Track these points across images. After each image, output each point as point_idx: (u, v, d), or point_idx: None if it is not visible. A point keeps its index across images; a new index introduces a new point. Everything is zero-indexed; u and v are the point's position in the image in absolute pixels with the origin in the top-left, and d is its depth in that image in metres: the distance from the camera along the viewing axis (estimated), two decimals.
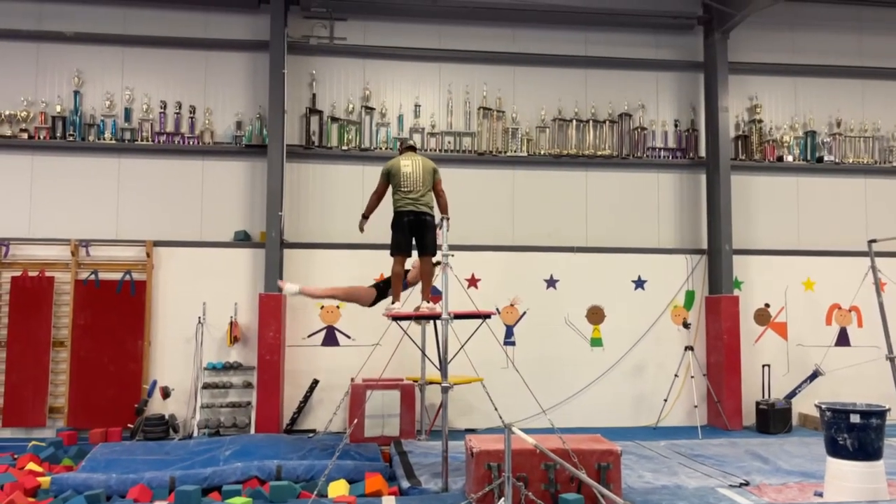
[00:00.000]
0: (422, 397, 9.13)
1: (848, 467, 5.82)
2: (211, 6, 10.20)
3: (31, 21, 9.94)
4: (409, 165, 7.26)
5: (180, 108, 10.13)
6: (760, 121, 11.06)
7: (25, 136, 9.79)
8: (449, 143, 10.53)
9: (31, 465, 7.21)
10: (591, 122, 10.77)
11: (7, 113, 9.79)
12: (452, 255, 7.08)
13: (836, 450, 5.90)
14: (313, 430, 9.40)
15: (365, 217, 7.55)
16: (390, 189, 7.35)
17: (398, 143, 10.27)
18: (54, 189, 9.83)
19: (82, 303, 9.60)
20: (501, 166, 10.63)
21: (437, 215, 7.27)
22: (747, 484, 6.70)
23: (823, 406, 6.02)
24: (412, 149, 7.57)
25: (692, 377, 10.00)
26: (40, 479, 6.74)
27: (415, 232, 7.20)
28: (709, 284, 10.68)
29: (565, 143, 10.73)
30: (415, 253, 7.37)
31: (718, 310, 10.33)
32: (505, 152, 10.60)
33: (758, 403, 10.01)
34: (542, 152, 10.68)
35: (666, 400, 10.08)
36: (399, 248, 7.25)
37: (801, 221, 11.04)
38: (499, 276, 10.32)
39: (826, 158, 11.12)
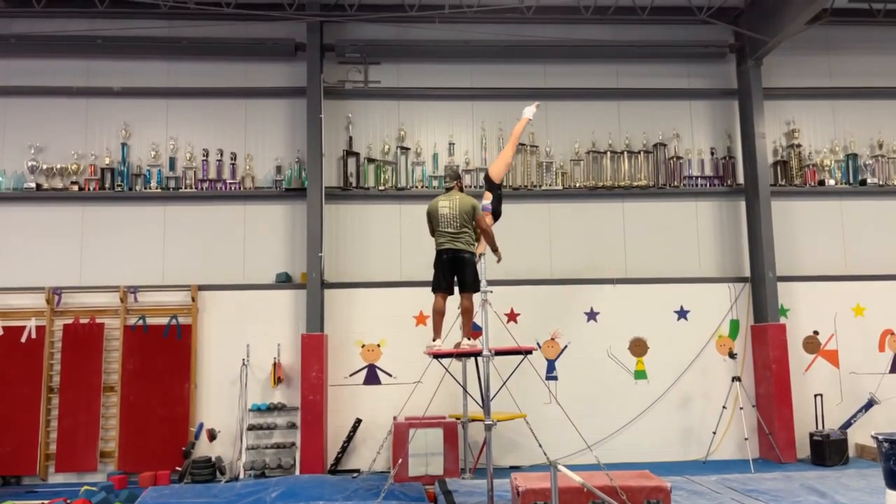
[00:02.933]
0: (465, 435, 9.09)
1: None
2: (250, 56, 10.56)
3: (81, 78, 10.39)
4: (446, 206, 7.35)
5: (222, 154, 10.44)
6: (799, 145, 10.92)
7: (76, 188, 10.18)
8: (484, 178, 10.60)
9: None
10: (625, 153, 10.77)
11: (59, 166, 10.20)
12: (491, 291, 7.11)
13: (895, 482, 5.68)
14: (357, 470, 9.40)
15: None
16: None
17: (433, 182, 10.48)
18: (104, 238, 10.16)
19: (131, 348, 9.83)
20: (537, 200, 10.66)
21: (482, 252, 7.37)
22: None
23: (880, 437, 5.81)
24: (450, 188, 7.62)
25: (741, 409, 9.73)
26: None
27: (455, 270, 7.27)
28: (754, 313, 10.46)
29: (600, 174, 10.74)
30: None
31: (765, 339, 10.10)
32: (540, 186, 10.65)
33: (811, 435, 9.70)
34: (578, 185, 10.70)
35: (715, 433, 9.84)
36: (439, 286, 7.34)
37: (847, 245, 10.79)
38: (538, 310, 10.28)
39: (869, 181, 10.91)
